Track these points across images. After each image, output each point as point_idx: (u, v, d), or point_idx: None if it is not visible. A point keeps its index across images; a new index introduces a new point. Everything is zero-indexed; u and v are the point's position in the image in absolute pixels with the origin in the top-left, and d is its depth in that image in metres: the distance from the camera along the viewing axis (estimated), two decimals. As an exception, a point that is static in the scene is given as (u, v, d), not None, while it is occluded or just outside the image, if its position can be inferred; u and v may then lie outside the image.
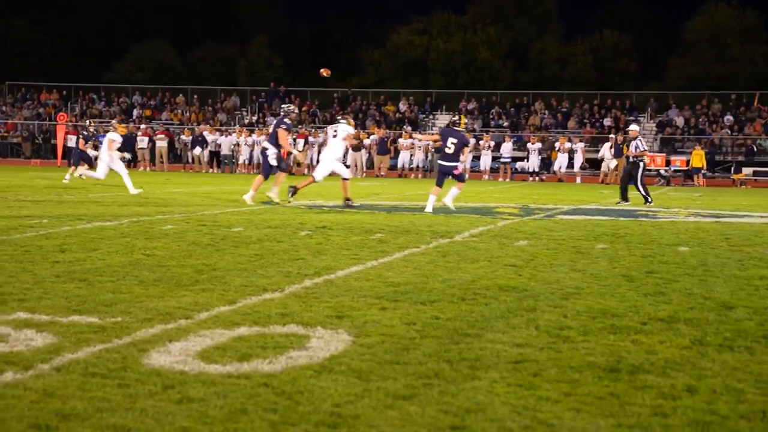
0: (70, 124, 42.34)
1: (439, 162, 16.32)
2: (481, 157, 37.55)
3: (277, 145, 16.81)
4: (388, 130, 41.35)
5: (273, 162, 16.89)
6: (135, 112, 48.91)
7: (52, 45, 64.42)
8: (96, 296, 6.47)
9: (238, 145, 37.76)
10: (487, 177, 36.63)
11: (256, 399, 4.07)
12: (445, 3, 67.98)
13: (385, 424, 3.80)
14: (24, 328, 5.36)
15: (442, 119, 45.39)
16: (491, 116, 45.95)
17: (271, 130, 17.37)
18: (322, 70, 18.72)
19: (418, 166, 37.63)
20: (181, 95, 50.50)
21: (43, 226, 11.21)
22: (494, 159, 38.23)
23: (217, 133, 39.69)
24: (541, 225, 13.34)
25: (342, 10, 73.70)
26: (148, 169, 37.56)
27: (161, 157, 38.52)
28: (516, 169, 38.53)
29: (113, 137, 18.88)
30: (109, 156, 19.20)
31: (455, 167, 15.70)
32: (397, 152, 38.52)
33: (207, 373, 4.46)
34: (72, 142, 39.03)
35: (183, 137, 41.30)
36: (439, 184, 15.91)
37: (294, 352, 4.92)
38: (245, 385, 4.29)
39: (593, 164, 38.54)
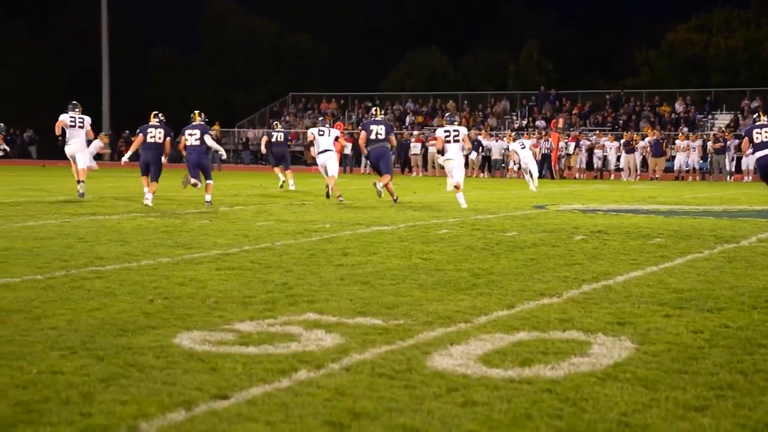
0: (347, 132, 44.09)
1: None
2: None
3: None
4: (663, 132, 39.95)
5: None
6: (408, 119, 50.22)
7: (332, 56, 67.49)
8: (378, 299, 6.67)
9: (508, 149, 37.81)
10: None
11: (540, 405, 4.03)
12: (728, -3, 64.67)
13: (676, 436, 3.66)
14: (314, 329, 5.61)
15: (722, 119, 43.29)
16: (777, 114, 43.31)
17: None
18: None
19: (695, 168, 36.07)
20: (451, 101, 51.29)
21: (326, 231, 11.73)
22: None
23: (488, 137, 39.99)
24: (838, 229, 12.38)
25: (615, 10, 72.13)
26: (420, 174, 38.42)
27: (434, 162, 39.24)
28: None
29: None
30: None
31: None
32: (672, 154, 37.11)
33: (489, 377, 4.48)
34: (348, 149, 40.66)
35: (454, 143, 41.91)
36: None
37: (576, 359, 4.84)
38: (528, 390, 4.27)
39: None
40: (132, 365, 4.65)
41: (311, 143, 19.13)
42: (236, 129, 53.95)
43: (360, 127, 19.00)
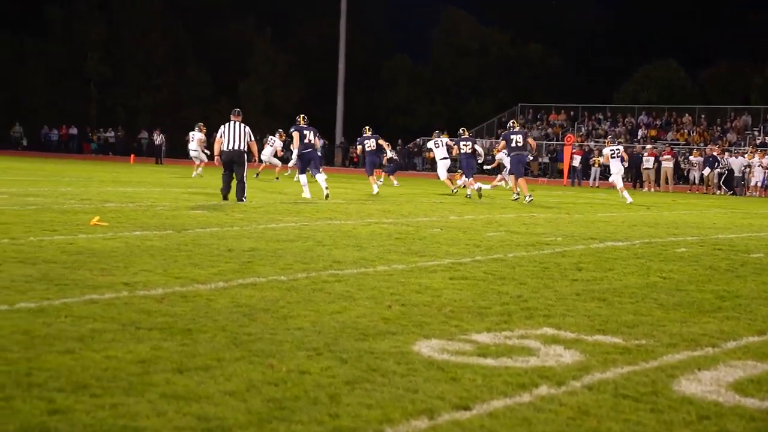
0: (576, 144, 43.41)
1: None
2: None
3: None
4: None
5: None
6: (639, 133, 48.86)
7: (563, 67, 66.66)
8: (617, 317, 6.50)
9: (749, 166, 35.99)
10: None
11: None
12: None
13: None
14: (552, 344, 5.53)
15: None
16: None
17: None
18: None
19: None
20: (687, 115, 49.45)
21: (558, 244, 11.56)
22: None
23: (726, 154, 38.22)
24: None
25: None
26: (653, 189, 37.23)
27: (666, 177, 37.98)
28: None
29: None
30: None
31: None
32: None
33: (744, 407, 4.25)
34: (576, 161, 40.01)
35: (691, 158, 40.34)
36: None
37: (839, 394, 4.51)
38: (788, 424, 4.01)
39: None
40: (374, 370, 4.74)
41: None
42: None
43: (501, 138, 22.94)
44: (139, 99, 66.21)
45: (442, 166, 23.98)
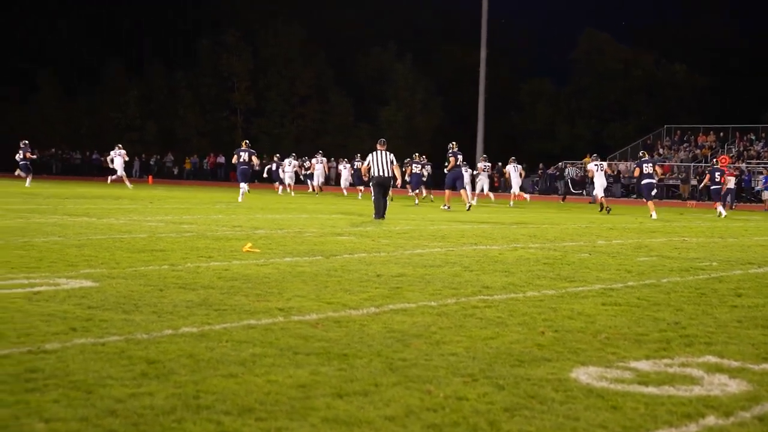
0: (731, 166, 41.98)
1: None
2: None
3: None
4: None
5: None
6: (795, 153, 46.96)
7: (710, 87, 64.52)
8: (784, 345, 6.23)
9: None
10: None
11: None
12: None
13: None
14: (716, 373, 5.35)
15: None
16: None
17: None
18: None
19: None
20: None
21: (714, 269, 11.19)
22: None
23: None
24: None
25: None
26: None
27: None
28: None
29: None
30: None
31: None
32: None
33: None
34: (731, 183, 38.66)
35: None
36: None
37: None
38: None
39: None
40: (533, 397, 4.68)
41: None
42: (606, 161, 53.26)
43: (450, 155, 26.02)
44: (282, 127, 67.81)
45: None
